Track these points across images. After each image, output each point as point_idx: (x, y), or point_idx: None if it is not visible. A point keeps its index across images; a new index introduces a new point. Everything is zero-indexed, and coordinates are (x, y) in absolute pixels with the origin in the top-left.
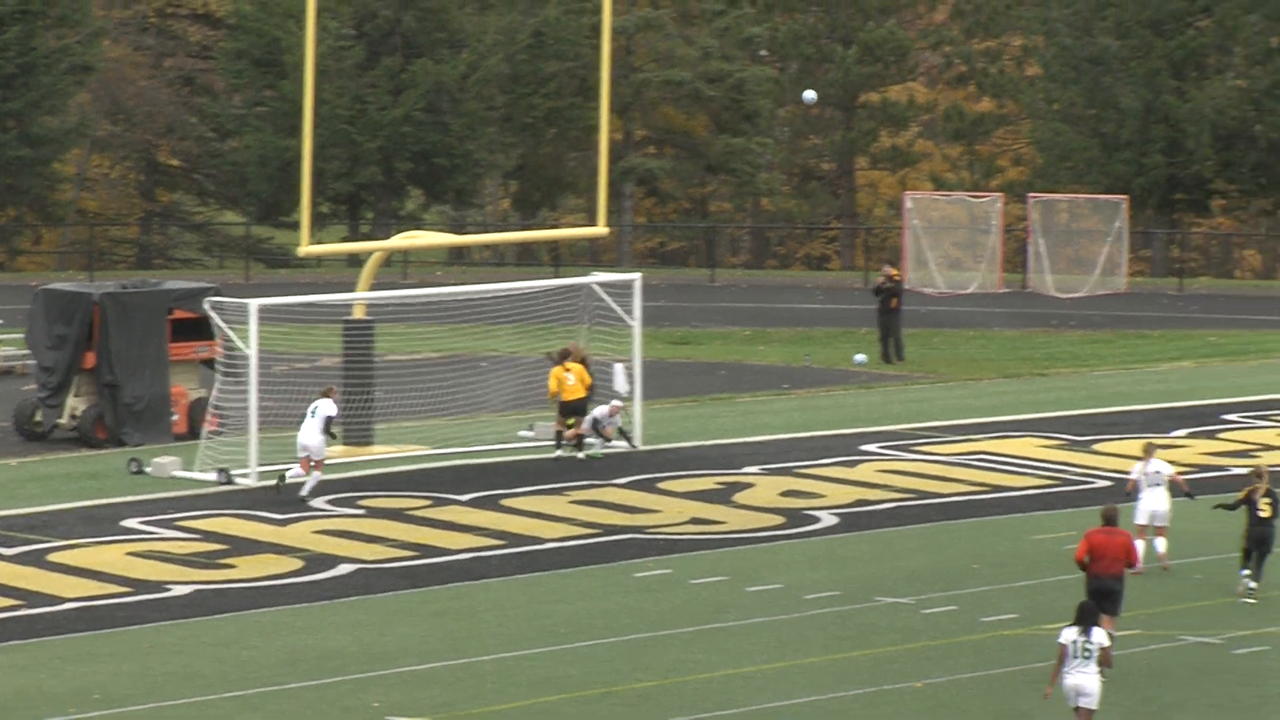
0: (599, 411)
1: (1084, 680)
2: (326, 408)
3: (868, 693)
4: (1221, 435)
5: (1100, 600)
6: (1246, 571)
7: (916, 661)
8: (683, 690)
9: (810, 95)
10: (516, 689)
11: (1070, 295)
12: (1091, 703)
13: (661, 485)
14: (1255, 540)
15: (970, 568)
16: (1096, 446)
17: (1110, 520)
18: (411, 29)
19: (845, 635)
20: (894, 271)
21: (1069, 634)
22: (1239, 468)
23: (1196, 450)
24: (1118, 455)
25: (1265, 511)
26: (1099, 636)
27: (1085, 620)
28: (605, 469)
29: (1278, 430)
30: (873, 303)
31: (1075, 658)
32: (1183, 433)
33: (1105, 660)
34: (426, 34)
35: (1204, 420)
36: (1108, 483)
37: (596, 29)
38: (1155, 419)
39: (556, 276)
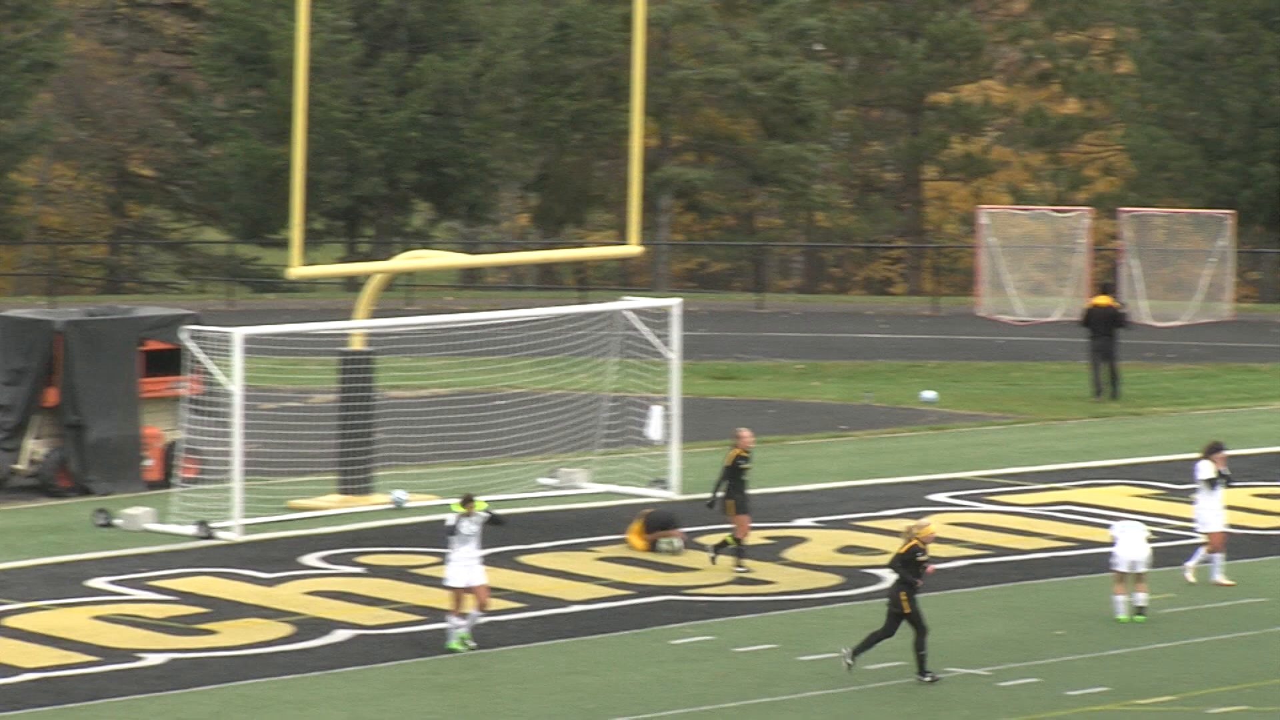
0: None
1: None
2: None
3: None
4: None
5: None
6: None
7: None
8: None
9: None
10: None
11: (1168, 324)
12: None
13: (702, 540)
14: None
15: (1054, 634)
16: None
17: None
18: (418, 20)
19: (911, 711)
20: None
21: None
22: None
23: None
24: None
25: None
26: None
27: None
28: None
29: None
30: (944, 332)
31: None
32: None
33: None
34: (435, 26)
35: None
36: None
37: (628, 20)
38: (1265, 464)
39: (582, 302)
